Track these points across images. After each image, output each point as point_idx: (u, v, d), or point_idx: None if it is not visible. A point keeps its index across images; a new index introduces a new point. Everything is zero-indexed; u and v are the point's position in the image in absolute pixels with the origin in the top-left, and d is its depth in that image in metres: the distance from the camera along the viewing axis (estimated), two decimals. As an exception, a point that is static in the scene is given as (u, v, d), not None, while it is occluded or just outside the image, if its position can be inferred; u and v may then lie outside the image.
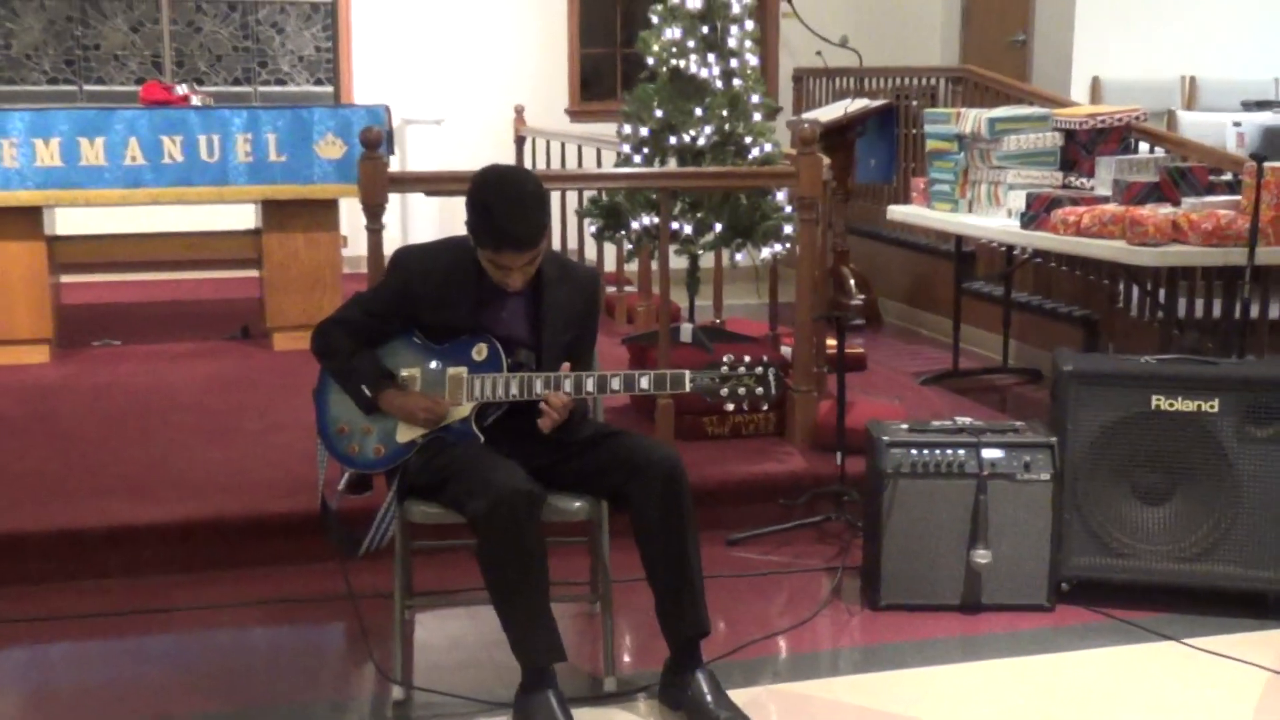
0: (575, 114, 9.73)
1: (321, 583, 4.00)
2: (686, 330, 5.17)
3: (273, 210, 6.51)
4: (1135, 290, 5.79)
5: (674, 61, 5.15)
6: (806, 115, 8.47)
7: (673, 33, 5.15)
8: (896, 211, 6.34)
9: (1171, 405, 3.85)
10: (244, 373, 6.15)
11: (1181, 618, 3.87)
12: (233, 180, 6.33)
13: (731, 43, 5.18)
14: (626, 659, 3.64)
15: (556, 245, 7.90)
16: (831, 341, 4.97)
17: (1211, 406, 3.83)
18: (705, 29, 5.15)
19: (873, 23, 9.83)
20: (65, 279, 7.16)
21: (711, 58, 5.14)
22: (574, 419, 3.32)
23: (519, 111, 9.10)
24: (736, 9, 5.19)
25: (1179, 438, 3.86)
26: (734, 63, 5.19)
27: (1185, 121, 8.29)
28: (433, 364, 3.36)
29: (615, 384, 3.30)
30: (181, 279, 8.19)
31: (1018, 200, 5.47)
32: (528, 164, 8.83)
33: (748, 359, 3.29)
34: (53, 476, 4.57)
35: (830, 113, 8.01)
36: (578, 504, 3.33)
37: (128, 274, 8.21)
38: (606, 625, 3.44)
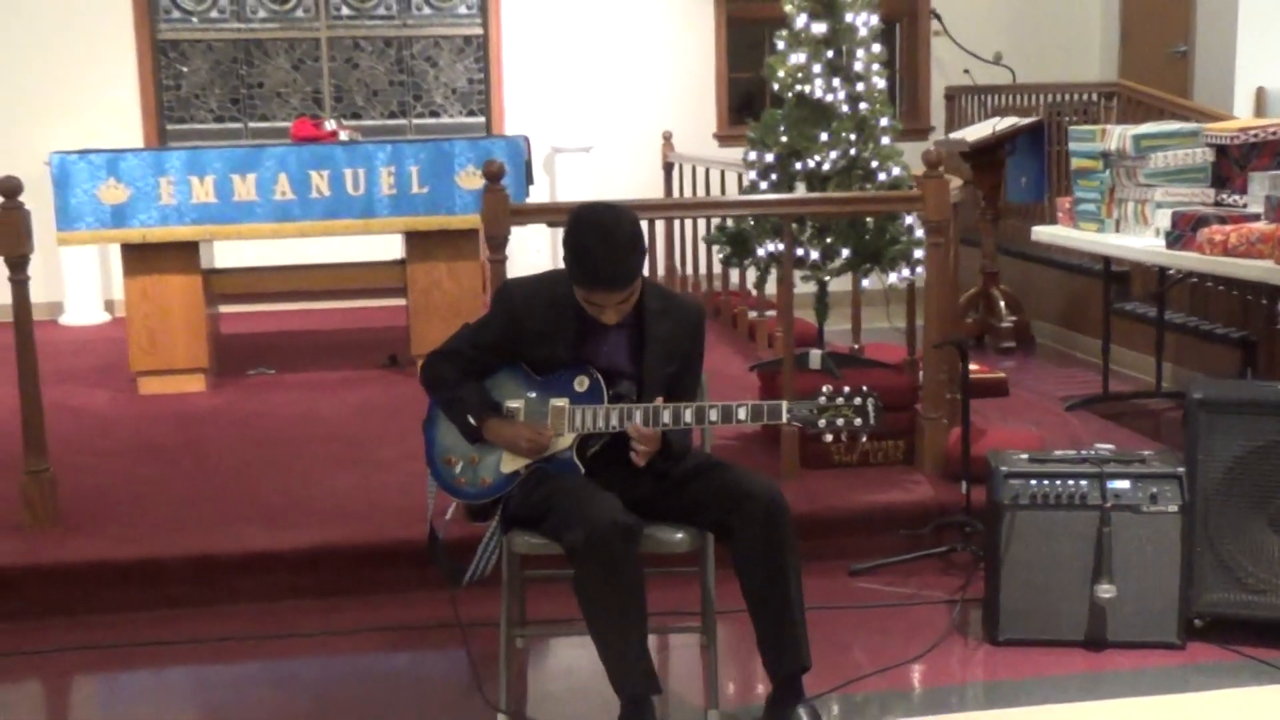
0: (724, 139, 9.72)
1: (440, 610, 4.03)
2: (815, 356, 5.12)
3: (416, 241, 6.65)
4: (1292, 311, 5.54)
5: (799, 87, 5.11)
6: (954, 135, 8.34)
7: (798, 58, 5.11)
8: (1041, 232, 6.17)
9: (1311, 434, 3.67)
10: (387, 401, 6.29)
11: (1323, 658, 3.68)
12: (377, 212, 6.49)
13: (858, 66, 5.12)
14: (732, 691, 3.61)
15: (689, 271, 7.93)
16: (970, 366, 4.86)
17: (1355, 435, 3.64)
18: (830, 53, 5.10)
19: (1027, 39, 9.64)
20: (223, 309, 7.43)
21: (836, 82, 5.08)
22: (673, 451, 3.32)
23: (667, 137, 9.13)
24: (863, 33, 5.12)
25: (1319, 468, 3.67)
26: (860, 86, 5.13)
27: (1355, 133, 7.87)
28: (536, 395, 3.39)
29: (714, 415, 3.28)
30: (333, 308, 8.42)
31: (1165, 219, 5.28)
32: (675, 190, 8.87)
33: (847, 389, 3.25)
34: (193, 503, 4.73)
35: (979, 131, 7.87)
36: (679, 535, 3.31)
37: (281, 304, 8.47)
38: (711, 658, 3.43)
